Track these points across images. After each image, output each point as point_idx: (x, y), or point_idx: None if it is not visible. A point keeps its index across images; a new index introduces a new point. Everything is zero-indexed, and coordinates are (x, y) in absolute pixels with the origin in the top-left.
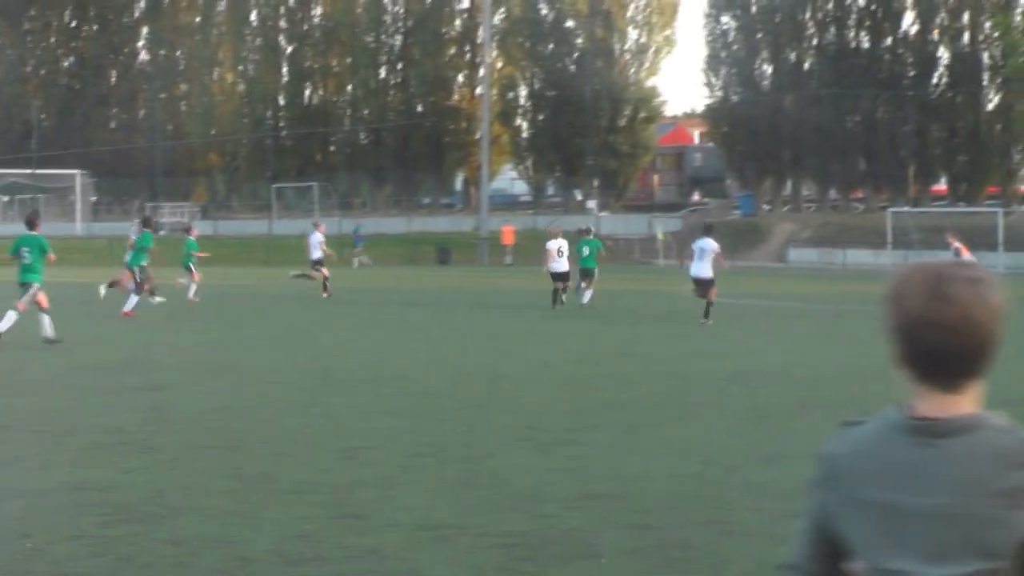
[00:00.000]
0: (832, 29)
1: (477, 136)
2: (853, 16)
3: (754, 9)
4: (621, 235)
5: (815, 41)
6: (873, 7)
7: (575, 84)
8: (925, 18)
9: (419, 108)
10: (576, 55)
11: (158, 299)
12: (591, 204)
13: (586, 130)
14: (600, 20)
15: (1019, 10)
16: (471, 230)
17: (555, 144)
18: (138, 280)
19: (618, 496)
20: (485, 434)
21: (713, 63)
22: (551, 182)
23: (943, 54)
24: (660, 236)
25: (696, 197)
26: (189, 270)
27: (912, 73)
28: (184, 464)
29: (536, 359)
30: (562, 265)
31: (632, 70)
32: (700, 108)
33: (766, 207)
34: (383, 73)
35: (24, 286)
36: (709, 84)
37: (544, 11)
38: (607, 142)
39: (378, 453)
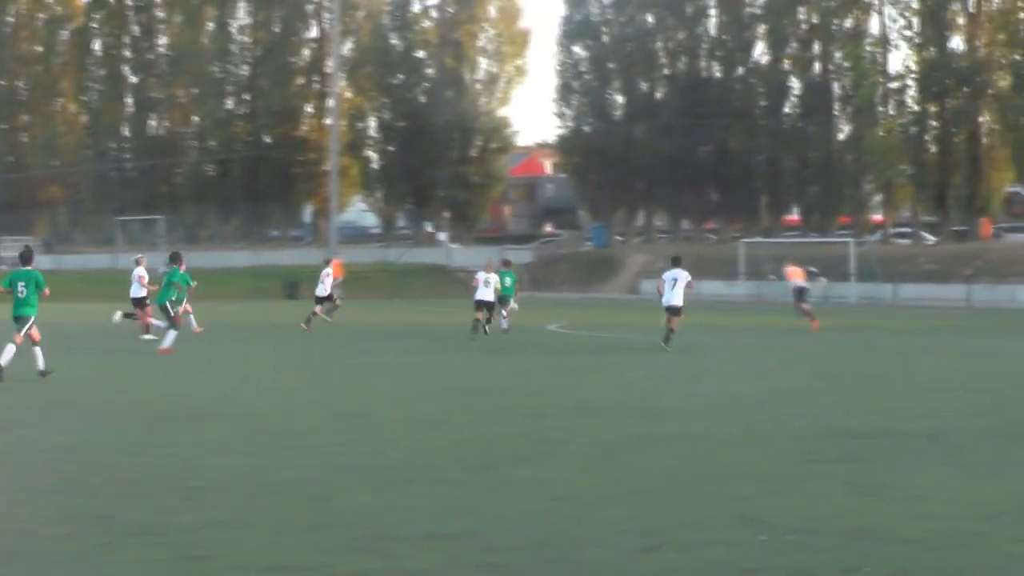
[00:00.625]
0: (684, 59)
1: (326, 167)
2: (705, 46)
3: (606, 39)
4: (472, 267)
5: (667, 71)
6: (724, 37)
7: (425, 114)
8: (776, 48)
9: (267, 139)
10: (426, 85)
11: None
12: (442, 236)
13: (437, 161)
14: (450, 50)
15: (868, 40)
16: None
17: (405, 175)
18: (171, 314)
19: (468, 535)
20: (335, 472)
21: (565, 93)
22: (402, 214)
23: (795, 84)
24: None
25: (548, 228)
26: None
27: (764, 103)
28: (23, 506)
29: (387, 395)
30: (486, 294)
31: (483, 100)
32: (552, 138)
33: (619, 238)
34: (230, 104)
35: (19, 320)
36: (561, 114)
37: (394, 41)
38: (458, 173)
39: (225, 493)
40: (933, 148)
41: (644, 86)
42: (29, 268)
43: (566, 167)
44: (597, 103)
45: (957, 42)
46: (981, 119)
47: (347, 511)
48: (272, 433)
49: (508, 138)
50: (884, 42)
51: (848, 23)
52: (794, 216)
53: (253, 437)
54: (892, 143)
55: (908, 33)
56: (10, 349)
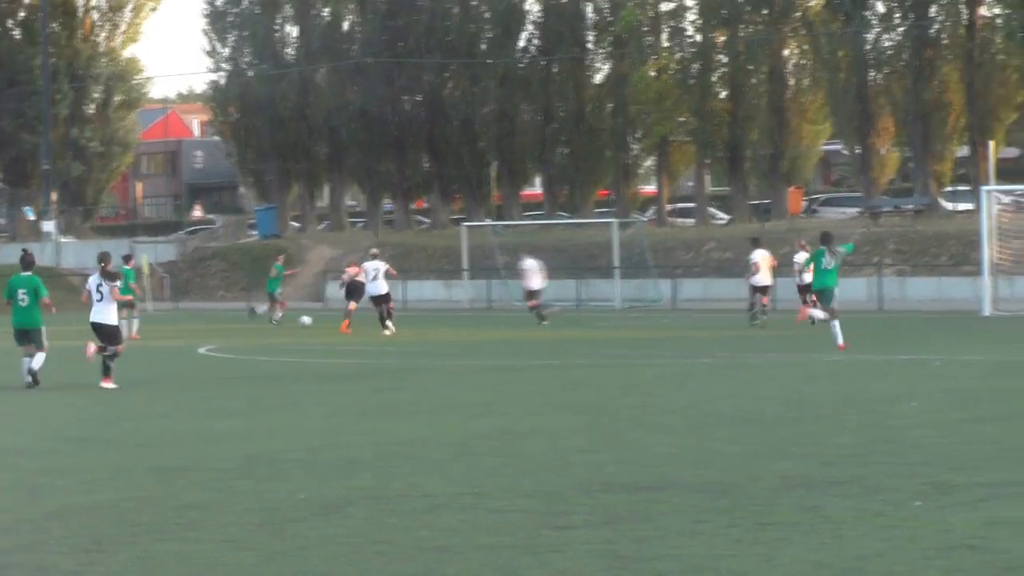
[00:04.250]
0: None
1: None
2: None
3: None
4: (91, 268)
5: None
6: None
7: (21, 56)
8: None
9: None
10: (23, 15)
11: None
12: (48, 226)
13: (38, 121)
14: None
15: None
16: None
17: None
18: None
19: None
20: None
21: (217, 24)
22: None
23: (531, 7)
24: (146, 269)
25: (198, 212)
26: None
27: (491, 34)
28: None
29: None
30: (379, 288)
31: (103, 35)
32: (201, 88)
33: (295, 225)
34: None
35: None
36: (212, 53)
37: None
38: (68, 137)
39: None
40: (723, 93)
41: (326, 13)
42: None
43: (220, 127)
44: (262, 38)
45: None
46: (786, 52)
47: None
48: None
49: (139, 88)
50: None
51: None
52: (536, 189)
53: None
54: (667, 86)
55: None
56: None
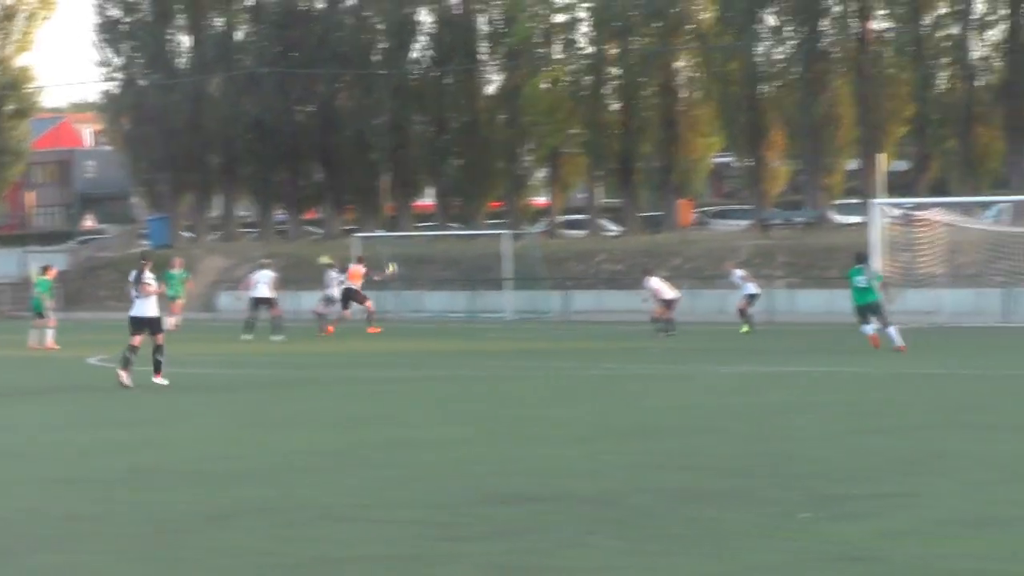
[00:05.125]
0: None
1: None
2: None
3: None
4: None
5: (250, 1)
6: None
7: None
8: None
9: None
10: None
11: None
12: None
13: None
14: None
15: None
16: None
17: None
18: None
19: None
20: None
21: (109, 33)
22: None
23: (425, 18)
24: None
25: (90, 222)
26: (41, 315)
27: (384, 45)
28: None
29: None
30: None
31: None
32: (93, 97)
33: (187, 235)
34: None
35: None
36: (105, 63)
37: None
38: None
39: None
40: (614, 105)
41: (219, 23)
42: None
43: (113, 136)
44: (154, 47)
45: None
46: (677, 65)
47: None
48: None
49: (31, 97)
50: None
51: None
52: (428, 200)
53: None
54: (559, 98)
55: None
56: None
